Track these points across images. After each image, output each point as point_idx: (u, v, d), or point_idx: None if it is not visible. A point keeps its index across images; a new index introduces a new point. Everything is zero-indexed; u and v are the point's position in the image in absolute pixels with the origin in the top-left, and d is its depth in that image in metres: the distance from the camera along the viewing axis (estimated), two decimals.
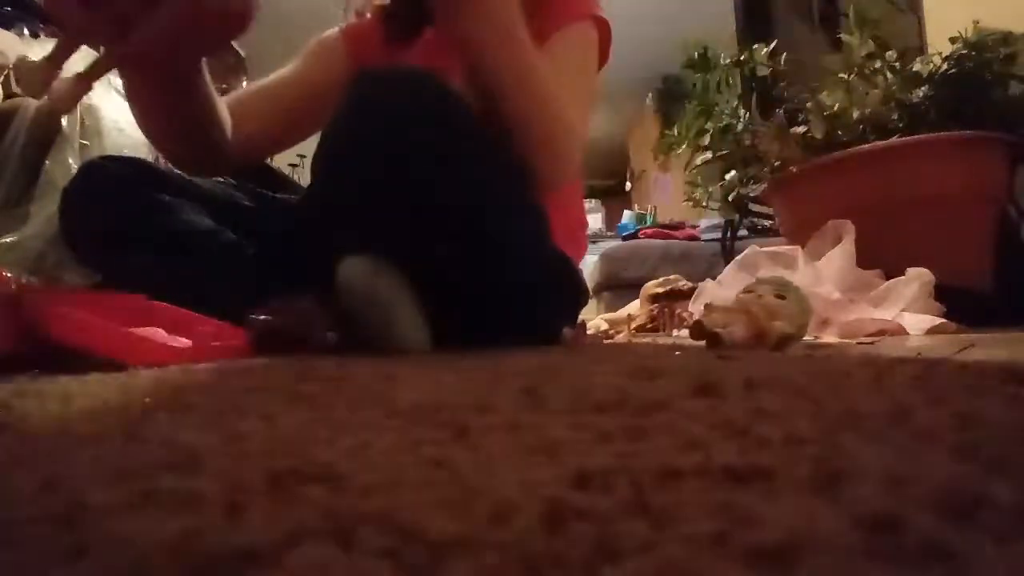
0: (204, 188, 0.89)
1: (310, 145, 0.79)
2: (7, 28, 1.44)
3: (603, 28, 0.93)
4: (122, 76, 0.72)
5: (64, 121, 1.17)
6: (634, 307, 1.99)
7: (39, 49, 1.25)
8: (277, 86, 0.94)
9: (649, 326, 1.80)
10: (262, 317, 0.70)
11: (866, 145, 1.21)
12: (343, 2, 1.13)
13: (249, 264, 0.83)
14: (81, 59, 0.62)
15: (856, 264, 1.12)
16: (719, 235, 2.02)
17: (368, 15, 1.03)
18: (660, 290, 1.85)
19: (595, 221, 5.47)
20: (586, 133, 0.89)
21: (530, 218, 0.76)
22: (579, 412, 0.25)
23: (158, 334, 0.60)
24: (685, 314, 1.50)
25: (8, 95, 1.19)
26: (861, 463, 0.16)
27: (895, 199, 1.19)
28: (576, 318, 1.05)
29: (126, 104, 1.40)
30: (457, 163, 0.66)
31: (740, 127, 1.42)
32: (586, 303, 1.04)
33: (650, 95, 5.05)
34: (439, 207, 0.66)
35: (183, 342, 0.61)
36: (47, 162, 1.15)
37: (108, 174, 0.78)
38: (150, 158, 1.44)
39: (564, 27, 0.87)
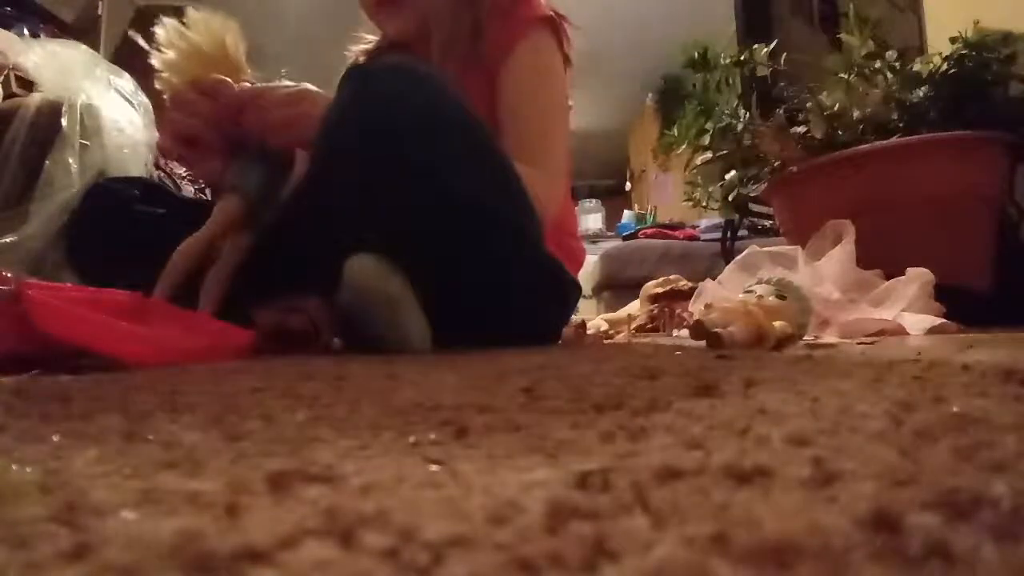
0: (202, 203, 0.92)
1: None
2: (7, 28, 1.45)
3: (554, 25, 0.89)
4: None
5: (64, 121, 1.17)
6: (634, 307, 1.99)
7: (39, 49, 1.25)
8: None
9: (649, 326, 1.80)
10: (273, 316, 0.70)
11: (866, 145, 1.21)
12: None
13: (244, 276, 0.85)
14: None
15: (856, 264, 1.11)
16: (719, 235, 2.02)
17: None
18: (660, 290, 1.85)
19: (595, 221, 5.46)
20: (566, 152, 0.88)
21: (523, 209, 0.76)
22: (579, 412, 0.25)
23: (160, 333, 0.60)
24: (685, 314, 1.50)
25: (8, 95, 1.19)
26: (861, 463, 0.16)
27: (895, 199, 1.19)
28: (569, 317, 1.05)
29: (126, 104, 1.41)
30: (450, 149, 0.66)
31: (740, 127, 1.42)
32: (578, 299, 1.04)
33: (650, 95, 5.05)
34: (435, 195, 0.65)
35: (185, 342, 0.61)
36: (47, 162, 1.15)
37: (111, 194, 0.80)
38: (150, 159, 1.44)
39: (515, 47, 0.84)
